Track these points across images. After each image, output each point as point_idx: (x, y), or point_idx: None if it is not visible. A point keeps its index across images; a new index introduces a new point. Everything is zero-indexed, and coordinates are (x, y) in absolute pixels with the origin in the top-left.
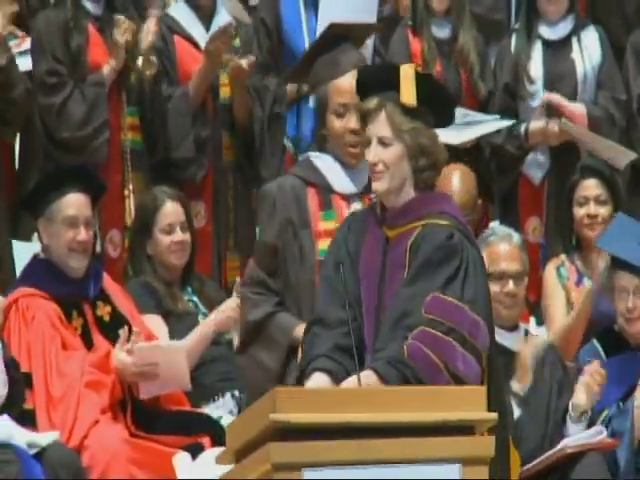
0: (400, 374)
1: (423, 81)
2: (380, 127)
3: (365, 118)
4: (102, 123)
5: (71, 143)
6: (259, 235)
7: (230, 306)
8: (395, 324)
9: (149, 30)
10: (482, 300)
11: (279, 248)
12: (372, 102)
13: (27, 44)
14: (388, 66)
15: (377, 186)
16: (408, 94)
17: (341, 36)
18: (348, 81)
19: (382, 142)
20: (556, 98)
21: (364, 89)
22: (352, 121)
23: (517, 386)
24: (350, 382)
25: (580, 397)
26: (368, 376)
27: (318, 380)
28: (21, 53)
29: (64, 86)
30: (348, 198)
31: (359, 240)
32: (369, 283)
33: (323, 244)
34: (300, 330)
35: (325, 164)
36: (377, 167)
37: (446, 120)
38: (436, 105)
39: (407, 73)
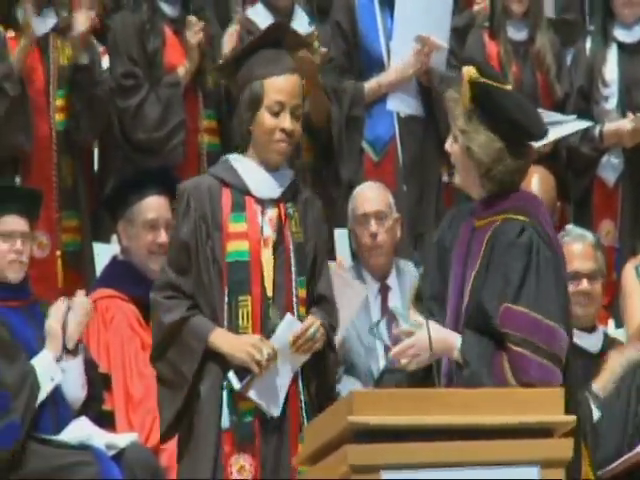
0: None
1: (476, 86)
2: (451, 120)
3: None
4: (178, 124)
5: (147, 145)
6: (173, 232)
7: None
8: (475, 326)
9: (232, 33)
10: (556, 304)
11: (192, 247)
12: (452, 94)
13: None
14: None
15: (454, 179)
16: (463, 96)
17: (278, 40)
18: (287, 80)
19: (452, 135)
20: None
21: None
22: (286, 120)
23: (598, 388)
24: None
25: None
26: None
27: None
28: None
29: (140, 88)
30: (263, 203)
31: (456, 232)
32: (456, 271)
33: (231, 247)
34: (216, 335)
35: (244, 166)
36: (451, 159)
37: (512, 133)
38: (491, 114)
39: (465, 75)
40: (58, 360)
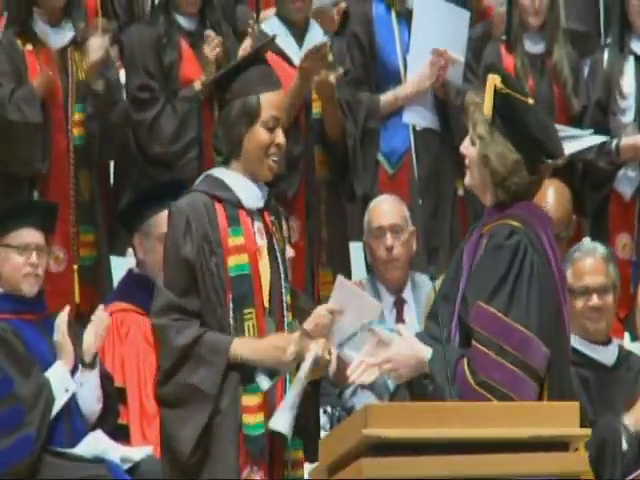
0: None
1: (499, 97)
2: (469, 124)
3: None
4: (192, 139)
5: (162, 158)
6: (170, 253)
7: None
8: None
9: (246, 48)
10: (535, 313)
11: (197, 266)
12: (474, 98)
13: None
14: None
15: (465, 180)
16: (485, 104)
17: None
18: (280, 95)
19: (470, 138)
20: None
21: None
22: (280, 136)
23: (631, 421)
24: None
25: None
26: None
27: None
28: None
29: (156, 102)
30: (252, 214)
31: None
32: (464, 276)
33: (232, 261)
34: (236, 345)
35: (232, 180)
36: (465, 161)
37: (530, 147)
38: (511, 126)
39: (490, 84)
40: (73, 372)
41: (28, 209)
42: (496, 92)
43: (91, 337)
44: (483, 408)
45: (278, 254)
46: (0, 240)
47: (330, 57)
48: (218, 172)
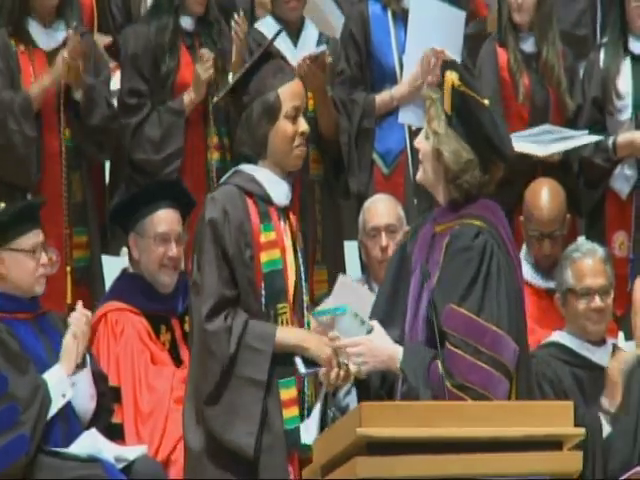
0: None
1: (458, 94)
2: (425, 118)
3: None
4: (176, 151)
5: (144, 165)
6: (208, 243)
7: None
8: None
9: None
10: (505, 312)
11: (233, 256)
12: (431, 93)
13: (117, 75)
14: None
15: (417, 175)
16: (445, 101)
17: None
18: (297, 84)
19: (425, 132)
20: None
21: None
22: (303, 123)
23: (607, 403)
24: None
25: None
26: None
27: None
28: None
29: (142, 107)
30: (279, 211)
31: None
32: (416, 275)
33: (265, 257)
34: (283, 333)
35: (264, 176)
36: (419, 155)
37: (483, 147)
38: (467, 124)
39: (447, 81)
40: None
41: (30, 211)
42: (454, 89)
43: (69, 339)
44: (477, 407)
45: (300, 253)
46: (7, 245)
47: (330, 59)
48: (247, 168)
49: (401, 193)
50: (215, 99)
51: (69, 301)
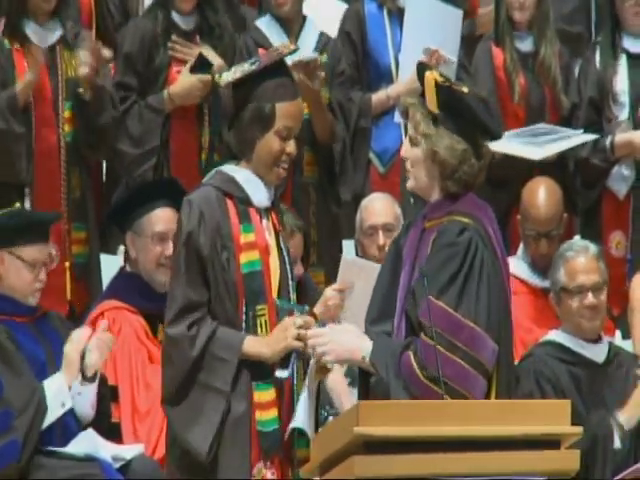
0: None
1: (443, 90)
2: (410, 125)
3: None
4: (151, 149)
5: (124, 158)
6: (182, 244)
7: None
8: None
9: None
10: (485, 310)
11: (209, 259)
12: (409, 100)
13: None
14: None
15: (407, 183)
16: (429, 101)
17: (282, 68)
18: (297, 106)
19: (410, 140)
20: None
21: None
22: (292, 145)
23: (624, 419)
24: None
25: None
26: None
27: None
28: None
29: (127, 100)
30: (260, 212)
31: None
32: (405, 270)
33: (244, 258)
34: (249, 344)
35: (243, 177)
36: (407, 164)
37: (478, 132)
38: (457, 116)
39: (429, 80)
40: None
41: (41, 224)
42: (438, 87)
43: (96, 356)
44: (474, 406)
45: (285, 252)
46: (11, 249)
47: (325, 57)
48: (228, 169)
49: (397, 192)
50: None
51: (69, 297)
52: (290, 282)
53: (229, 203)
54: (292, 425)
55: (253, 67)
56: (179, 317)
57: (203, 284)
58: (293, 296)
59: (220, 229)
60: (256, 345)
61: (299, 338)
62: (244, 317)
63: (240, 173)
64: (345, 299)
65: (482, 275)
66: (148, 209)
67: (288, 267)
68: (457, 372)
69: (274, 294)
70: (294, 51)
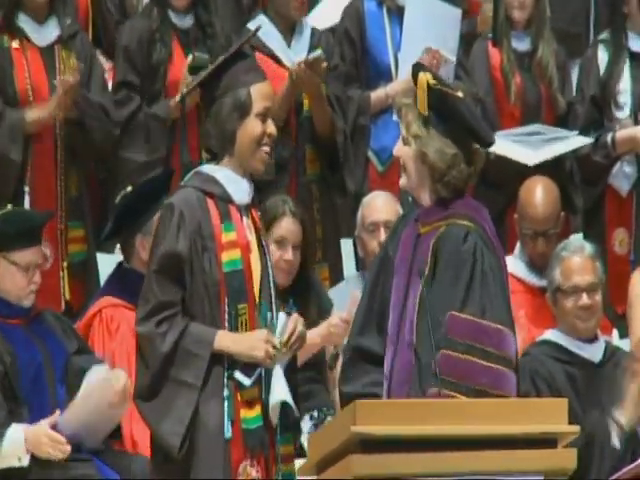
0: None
1: (434, 93)
2: (402, 125)
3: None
4: (156, 160)
5: (127, 165)
6: (159, 245)
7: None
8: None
9: None
10: (503, 308)
11: (187, 260)
12: (404, 100)
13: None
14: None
15: (400, 181)
16: (420, 102)
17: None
18: (269, 86)
19: (402, 139)
20: None
21: None
22: (271, 125)
23: (623, 420)
24: None
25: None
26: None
27: None
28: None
29: (132, 99)
30: (240, 209)
31: (400, 238)
32: (400, 276)
33: (226, 257)
34: (220, 338)
35: (223, 175)
36: (400, 162)
37: (470, 136)
38: (448, 120)
39: (421, 82)
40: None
41: (33, 226)
42: (430, 89)
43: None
44: (472, 405)
45: (265, 249)
46: (4, 254)
47: (325, 64)
48: (207, 169)
49: (396, 190)
50: (183, 91)
51: (67, 297)
52: (271, 279)
53: (210, 203)
54: (276, 399)
55: (213, 66)
56: (149, 316)
57: (178, 284)
58: (274, 293)
59: (201, 230)
60: (227, 340)
61: (270, 357)
62: (227, 316)
63: (220, 172)
64: (349, 330)
65: (494, 278)
66: (154, 210)
67: (269, 265)
68: (494, 378)
69: (256, 292)
70: (255, 33)
